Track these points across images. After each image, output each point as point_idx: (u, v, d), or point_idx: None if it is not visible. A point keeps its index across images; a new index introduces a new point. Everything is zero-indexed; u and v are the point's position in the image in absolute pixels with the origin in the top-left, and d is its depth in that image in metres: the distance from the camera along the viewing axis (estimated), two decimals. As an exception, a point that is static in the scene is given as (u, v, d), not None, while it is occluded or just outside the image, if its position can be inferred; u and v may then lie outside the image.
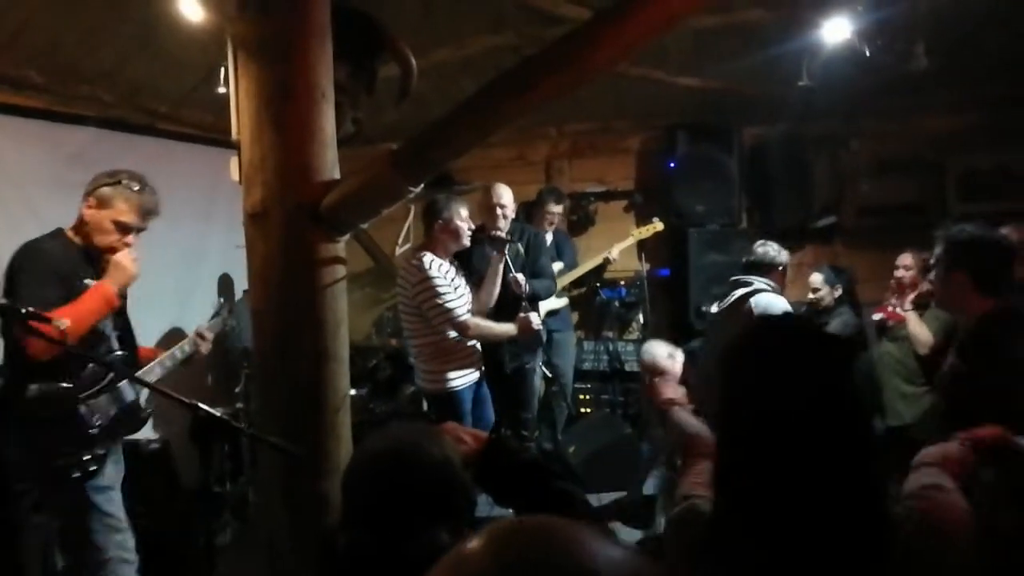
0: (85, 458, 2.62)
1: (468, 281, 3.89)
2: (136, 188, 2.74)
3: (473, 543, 0.63)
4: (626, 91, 4.87)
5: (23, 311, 1.92)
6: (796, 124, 5.03)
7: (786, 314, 3.10)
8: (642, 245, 5.34)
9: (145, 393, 2.94)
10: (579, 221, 5.96)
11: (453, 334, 3.68)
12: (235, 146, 2.33)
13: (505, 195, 4.10)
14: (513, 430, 4.22)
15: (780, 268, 3.86)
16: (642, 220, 5.49)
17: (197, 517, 3.88)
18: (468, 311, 3.70)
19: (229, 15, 2.24)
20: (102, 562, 2.65)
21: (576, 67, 1.91)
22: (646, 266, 5.41)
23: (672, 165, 5.36)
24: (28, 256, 2.63)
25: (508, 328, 3.73)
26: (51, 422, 2.57)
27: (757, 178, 5.37)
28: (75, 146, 4.17)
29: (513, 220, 4.19)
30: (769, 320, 1.92)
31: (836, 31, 3.56)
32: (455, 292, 3.68)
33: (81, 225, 2.74)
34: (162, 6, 3.08)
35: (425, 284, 3.61)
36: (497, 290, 3.82)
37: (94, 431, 2.66)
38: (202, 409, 1.82)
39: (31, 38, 3.49)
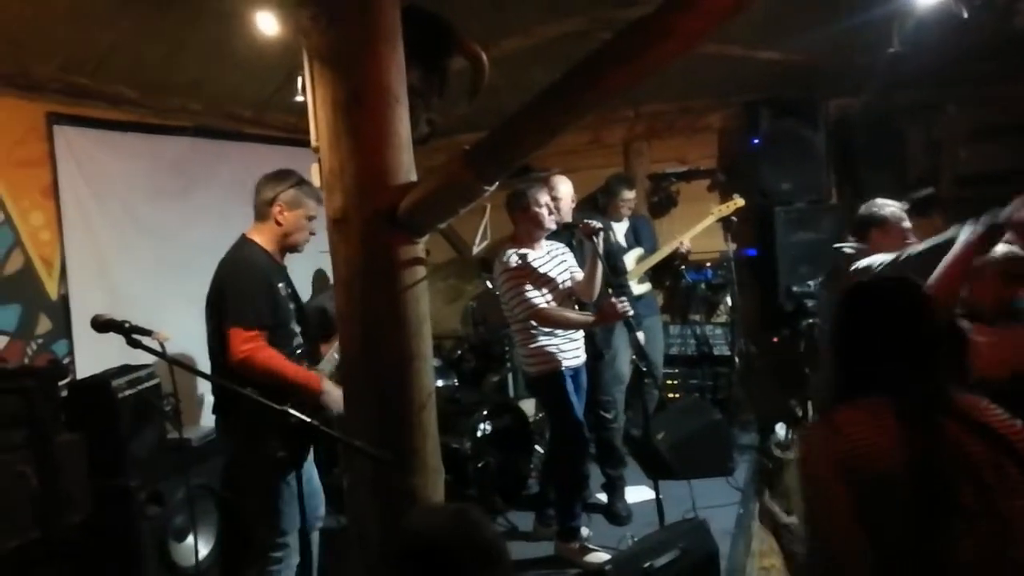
0: (294, 448, 2.68)
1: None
2: (307, 184, 2.87)
3: None
4: (703, 68, 4.73)
5: (125, 325, 2.03)
6: (885, 93, 4.80)
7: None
8: (728, 225, 5.20)
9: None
10: (660, 203, 5.87)
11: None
12: (315, 152, 2.41)
13: (560, 187, 4.05)
14: (593, 414, 4.18)
15: (880, 225, 3.40)
16: (726, 200, 5.34)
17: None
18: (551, 298, 3.70)
19: (302, 27, 2.29)
20: (284, 546, 2.84)
21: (646, 58, 1.87)
22: (732, 247, 5.26)
23: (755, 142, 5.23)
24: (235, 269, 2.78)
25: (585, 316, 3.70)
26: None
27: (845, 151, 5.17)
28: (172, 155, 4.39)
29: (591, 212, 4.15)
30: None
31: (930, -7, 3.37)
32: (540, 280, 3.68)
33: (273, 229, 2.88)
34: (237, 20, 3.18)
35: (504, 277, 3.69)
36: (598, 281, 3.73)
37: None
38: (292, 415, 1.88)
39: (120, 57, 3.68)
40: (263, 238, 2.90)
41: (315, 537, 3.16)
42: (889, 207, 3.41)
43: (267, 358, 2.68)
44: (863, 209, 3.51)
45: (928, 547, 1.49)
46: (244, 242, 2.90)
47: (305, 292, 5.36)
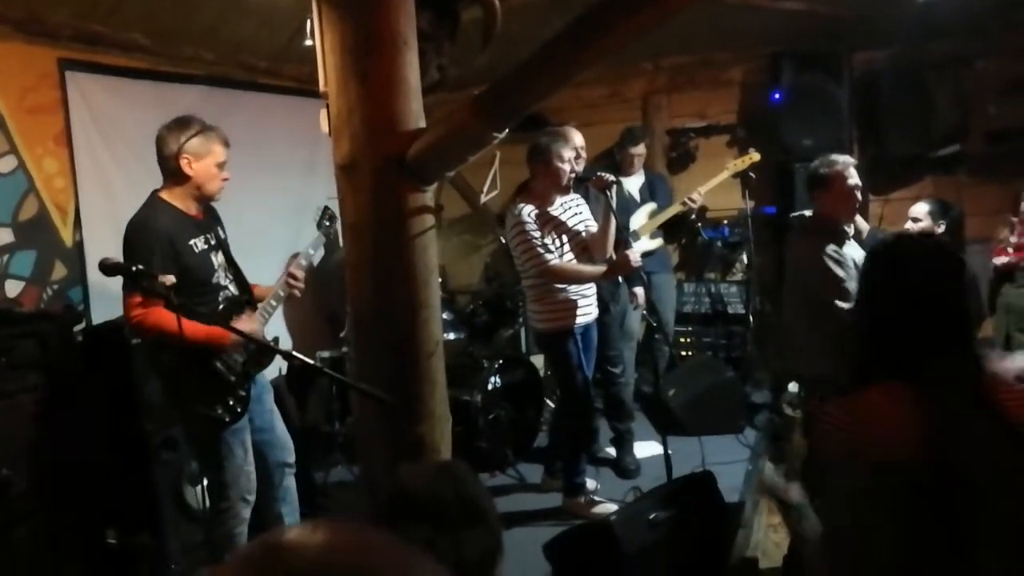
0: (228, 404, 2.75)
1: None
2: (212, 129, 2.74)
3: None
4: (725, 19, 4.62)
5: (133, 269, 2.04)
6: (913, 45, 4.65)
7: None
8: (746, 182, 5.11)
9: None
10: (679, 159, 5.77)
11: None
12: (324, 97, 2.38)
13: (576, 139, 3.87)
14: (601, 369, 4.16)
15: (822, 186, 3.17)
16: (745, 155, 5.23)
17: (306, 456, 4.08)
18: (561, 255, 3.65)
19: (311, -32, 2.25)
20: (227, 498, 2.82)
21: (658, 4, 1.82)
22: (750, 204, 5.18)
23: (777, 97, 5.11)
24: (133, 232, 2.66)
25: (596, 269, 3.66)
26: (193, 374, 2.70)
27: (870, 107, 5.04)
28: (184, 104, 4.33)
29: (604, 167, 4.10)
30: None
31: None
32: (556, 232, 3.63)
33: (183, 183, 2.72)
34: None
35: (515, 230, 3.61)
36: (611, 237, 3.68)
37: (230, 378, 2.76)
38: (296, 357, 1.90)
39: (134, 4, 3.64)
40: (173, 194, 2.75)
41: (290, 482, 3.09)
42: (834, 165, 3.15)
43: (157, 321, 2.54)
44: (812, 165, 3.29)
45: (946, 559, 1.34)
46: (150, 202, 2.74)
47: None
